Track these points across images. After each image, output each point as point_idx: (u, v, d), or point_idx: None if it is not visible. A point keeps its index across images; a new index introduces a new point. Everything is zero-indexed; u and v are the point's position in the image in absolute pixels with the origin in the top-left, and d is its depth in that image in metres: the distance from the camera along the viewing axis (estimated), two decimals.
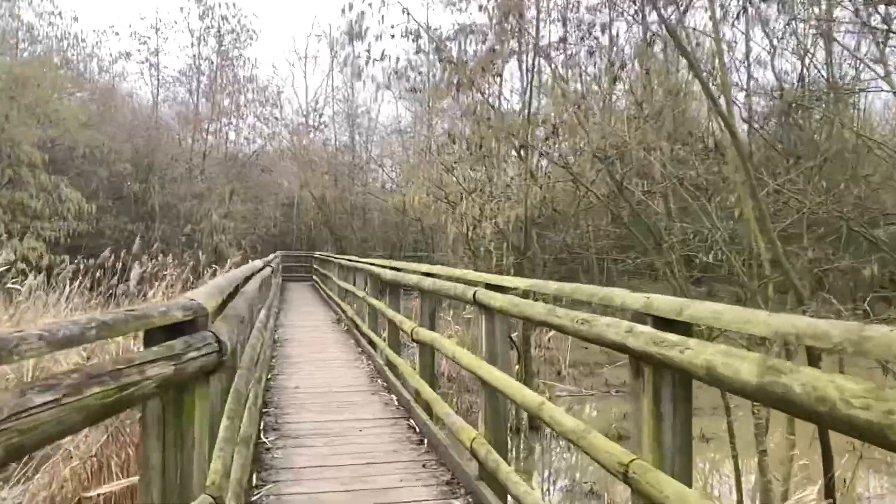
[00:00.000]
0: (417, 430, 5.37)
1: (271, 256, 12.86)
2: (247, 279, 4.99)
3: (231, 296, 3.56)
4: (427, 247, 24.08)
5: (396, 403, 6.36)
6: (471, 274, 4.41)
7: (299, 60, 37.30)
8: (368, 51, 10.39)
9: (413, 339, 5.89)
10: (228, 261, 16.29)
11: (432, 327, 5.72)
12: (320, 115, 27.83)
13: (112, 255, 14.57)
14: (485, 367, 3.78)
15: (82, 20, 33.93)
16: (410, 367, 6.18)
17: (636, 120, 7.75)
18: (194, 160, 20.44)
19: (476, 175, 10.29)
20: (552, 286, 3.02)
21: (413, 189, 12.72)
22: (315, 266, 25.77)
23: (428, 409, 5.35)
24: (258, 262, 7.74)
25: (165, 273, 13.94)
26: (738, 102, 8.71)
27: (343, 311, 13.49)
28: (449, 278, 4.91)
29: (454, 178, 10.09)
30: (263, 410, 6.03)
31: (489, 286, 3.90)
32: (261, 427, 5.45)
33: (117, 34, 32.22)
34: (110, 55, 21.98)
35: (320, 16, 49.77)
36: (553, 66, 9.68)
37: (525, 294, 3.88)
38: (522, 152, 9.26)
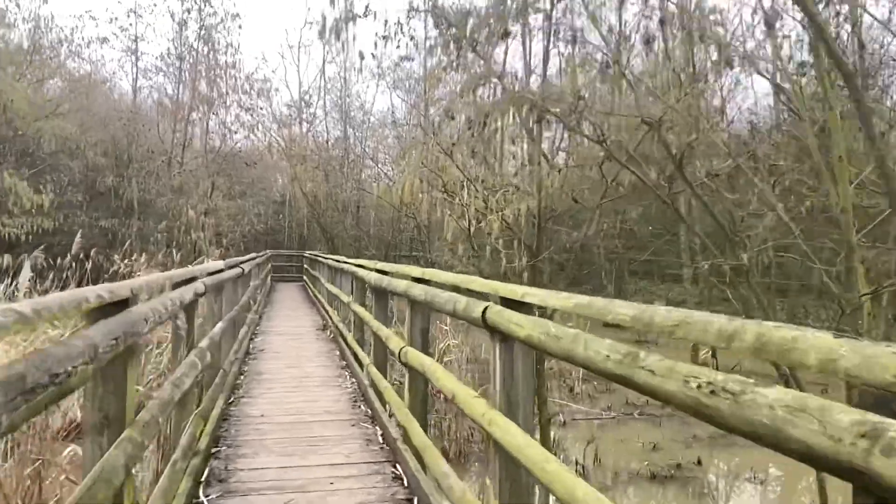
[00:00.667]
0: (405, 482, 4.16)
1: (248, 257, 11.61)
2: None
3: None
4: (423, 246, 22.83)
5: (381, 440, 5.14)
6: (477, 282, 3.18)
7: (290, 50, 35.98)
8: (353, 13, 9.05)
9: (401, 363, 4.67)
10: (206, 259, 15.01)
11: (425, 348, 4.50)
12: (311, 107, 26.51)
13: (80, 253, 13.33)
14: (499, 423, 2.56)
15: (57, 4, 32.46)
16: (398, 396, 4.94)
17: (681, 88, 6.50)
18: (174, 152, 19.17)
19: (476, 160, 9.05)
20: (621, 309, 1.79)
21: (405, 175, 11.47)
22: (305, 266, 24.54)
23: (419, 455, 4.12)
24: (216, 264, 6.48)
25: (137, 273, 12.72)
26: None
27: (329, 317, 12.28)
28: (448, 287, 3.69)
29: (453, 163, 8.84)
30: (213, 450, 4.80)
31: (505, 301, 2.67)
32: (203, 477, 4.23)
33: (94, 19, 30.79)
34: (84, 40, 20.65)
35: (314, 5, 48.50)
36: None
37: (548, 314, 2.65)
38: (536, 129, 8.02)
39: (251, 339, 10.57)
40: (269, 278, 24.27)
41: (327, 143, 26.07)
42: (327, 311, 13.23)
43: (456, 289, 3.54)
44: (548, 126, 8.27)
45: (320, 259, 17.71)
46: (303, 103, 27.54)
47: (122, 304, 2.41)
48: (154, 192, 17.98)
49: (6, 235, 14.54)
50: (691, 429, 7.32)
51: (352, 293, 10.34)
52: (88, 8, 39.25)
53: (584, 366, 1.83)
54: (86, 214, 17.22)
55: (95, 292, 2.28)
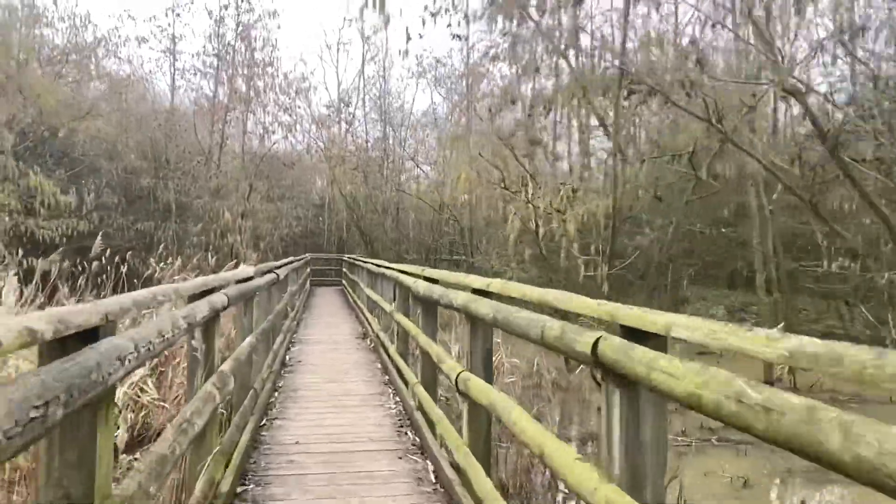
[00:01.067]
0: None
1: (285, 261, 11.04)
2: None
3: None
4: (465, 250, 22.06)
5: (433, 478, 4.40)
6: (576, 301, 2.39)
7: (329, 50, 35.57)
8: None
9: (458, 392, 3.91)
10: (242, 264, 14.54)
11: (488, 377, 3.73)
12: (350, 107, 26.01)
13: (108, 256, 12.98)
14: None
15: (93, 4, 32.59)
16: (454, 430, 4.18)
17: None
18: (210, 153, 18.83)
19: (530, 156, 8.24)
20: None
21: (457, 167, 10.67)
22: (344, 270, 24.04)
23: None
24: (245, 270, 5.84)
25: (172, 278, 12.28)
26: None
27: (369, 325, 11.62)
28: (532, 305, 2.92)
29: (513, 154, 8.03)
30: (239, 490, 4.13)
31: (630, 332, 1.90)
32: None
33: (133, 18, 30.86)
34: (121, 38, 20.48)
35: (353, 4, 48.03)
36: None
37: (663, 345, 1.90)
38: (613, 115, 7.16)
39: (288, 348, 9.98)
40: (308, 282, 23.88)
41: (366, 143, 25.51)
42: (367, 318, 12.59)
43: (539, 308, 2.77)
44: (638, 106, 7.37)
45: (359, 263, 17.12)
46: (342, 104, 27.04)
47: (90, 336, 1.70)
48: (192, 194, 17.68)
49: (41, 237, 14.31)
50: (782, 461, 6.38)
51: (394, 301, 9.66)
52: (127, 7, 39.48)
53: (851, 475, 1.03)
54: (122, 217, 16.98)
55: (47, 320, 1.57)
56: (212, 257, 14.12)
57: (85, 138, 16.44)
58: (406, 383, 6.58)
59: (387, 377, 7.87)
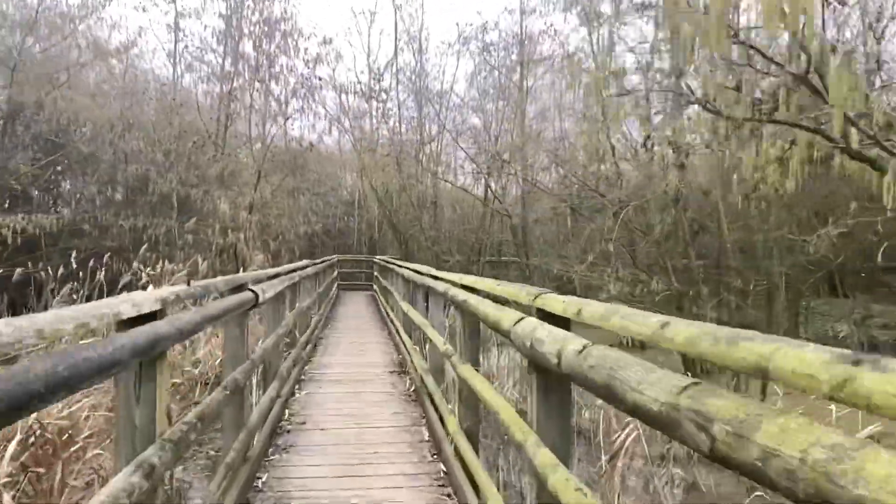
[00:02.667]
0: None
1: (287, 267, 8.09)
2: None
3: None
4: (518, 251, 18.89)
5: None
6: None
7: (355, 18, 32.53)
8: None
9: None
10: (241, 269, 11.72)
11: None
12: (381, 81, 22.93)
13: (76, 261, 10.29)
14: None
15: None
16: None
17: None
18: (212, 133, 16.00)
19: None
20: None
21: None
22: (376, 273, 21.14)
23: None
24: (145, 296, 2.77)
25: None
26: None
27: (407, 352, 8.62)
28: None
29: None
30: None
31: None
32: None
33: None
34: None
35: None
36: None
37: None
38: None
39: (295, 390, 7.03)
40: (334, 287, 21.05)
41: (399, 124, 22.45)
42: (403, 341, 9.62)
43: None
44: None
45: (393, 266, 14.17)
46: (371, 78, 23.90)
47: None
48: (189, 182, 14.96)
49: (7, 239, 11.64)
50: None
51: (445, 329, 6.64)
52: None
53: None
54: (106, 210, 14.36)
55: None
56: (203, 261, 11.27)
57: (60, 114, 13.82)
58: (474, 485, 3.55)
59: (438, 457, 4.83)
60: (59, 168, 14.13)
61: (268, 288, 5.11)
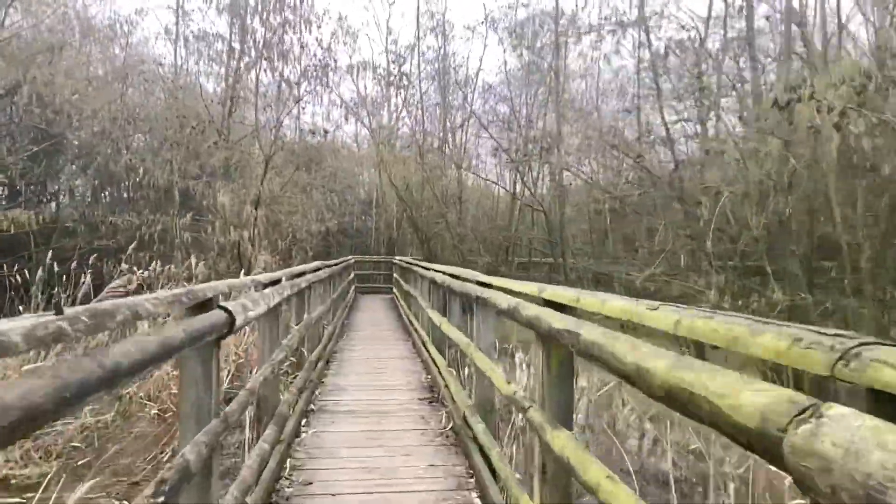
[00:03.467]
0: None
1: (287, 272, 6.53)
2: None
3: None
4: (553, 249, 17.24)
5: None
6: None
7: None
8: None
9: None
10: (242, 273, 10.22)
11: None
12: (403, 63, 21.30)
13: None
14: None
15: None
16: None
17: None
18: (215, 119, 14.51)
19: None
20: None
21: None
22: (395, 276, 19.63)
23: None
24: None
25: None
26: None
27: (440, 376, 7.09)
28: None
29: None
30: None
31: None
32: None
33: None
34: None
35: None
36: None
37: None
38: None
39: (300, 428, 5.51)
40: (351, 291, 19.57)
41: (422, 112, 20.81)
42: (433, 358, 8.07)
43: None
44: None
45: (415, 268, 12.64)
46: (390, 63, 22.24)
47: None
48: (191, 174, 13.47)
49: None
50: None
51: (495, 350, 5.12)
52: None
53: None
54: (102, 207, 12.96)
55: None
56: (199, 262, 9.79)
57: (51, 98, 12.39)
58: None
59: None
60: (49, 159, 12.74)
61: (255, 302, 3.57)
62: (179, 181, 13.05)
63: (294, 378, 6.46)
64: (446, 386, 6.52)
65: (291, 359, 6.40)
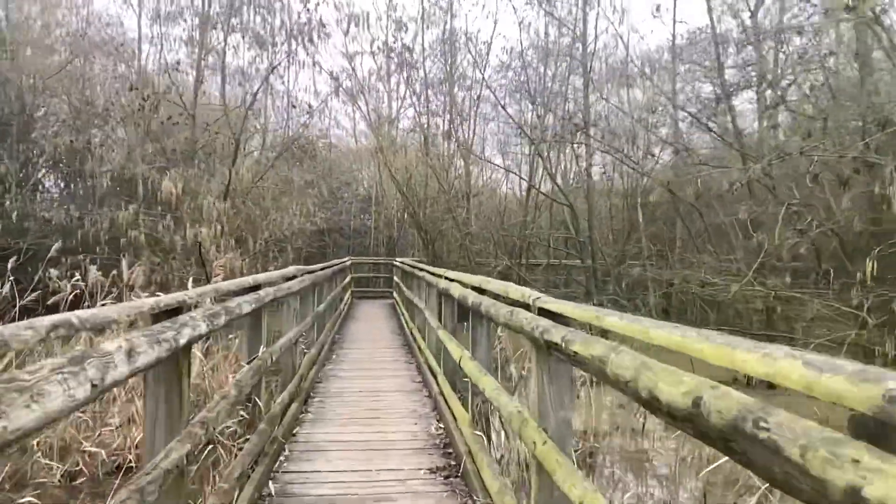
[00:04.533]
0: None
1: (278, 274, 4.36)
2: None
3: None
4: (583, 250, 15.04)
5: None
6: None
7: None
8: None
9: None
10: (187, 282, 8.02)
11: None
12: (404, 31, 18.98)
13: None
14: None
15: None
16: None
17: None
18: (171, 87, 12.26)
19: None
20: None
21: None
22: (396, 280, 17.52)
23: None
24: None
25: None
26: None
27: (459, 433, 4.96)
28: None
29: None
30: None
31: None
32: None
33: None
34: None
35: None
36: None
37: None
38: None
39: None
40: (346, 296, 17.45)
41: (426, 90, 18.50)
42: (448, 404, 5.94)
43: None
44: None
45: (420, 274, 10.52)
46: (389, 34, 19.91)
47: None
48: (147, 159, 11.28)
49: None
50: None
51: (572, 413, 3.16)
52: None
53: None
54: (28, 198, 10.77)
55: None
56: (124, 266, 7.62)
57: None
58: None
59: None
60: None
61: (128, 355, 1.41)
62: (132, 167, 10.83)
63: (240, 449, 4.32)
64: (470, 456, 4.37)
65: (231, 422, 4.26)
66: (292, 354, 6.82)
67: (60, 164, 11.81)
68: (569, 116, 13.79)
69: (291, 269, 6.56)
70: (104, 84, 12.23)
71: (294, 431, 5.72)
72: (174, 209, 10.42)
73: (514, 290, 3.38)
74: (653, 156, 10.58)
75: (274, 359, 4.87)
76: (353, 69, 18.77)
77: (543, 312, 2.78)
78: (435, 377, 7.35)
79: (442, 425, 5.96)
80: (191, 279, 8.07)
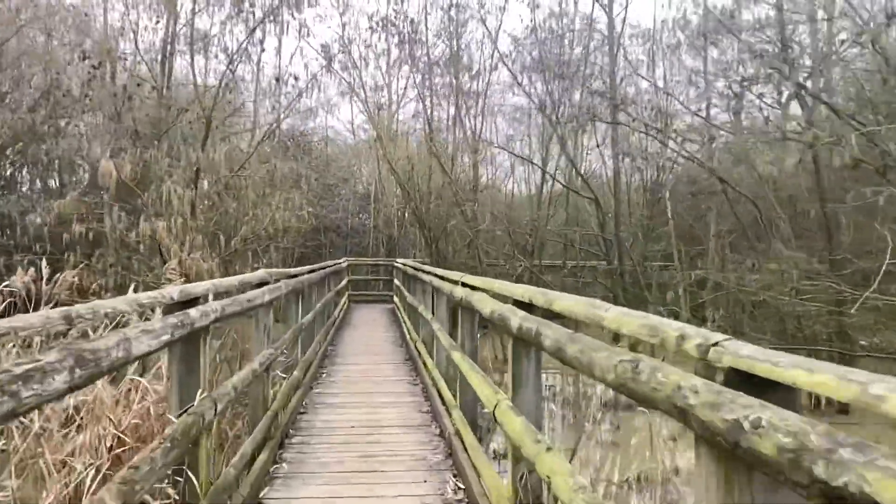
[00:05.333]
0: None
1: (236, 281, 2.73)
2: None
3: None
4: (609, 249, 13.41)
5: None
6: None
7: None
8: None
9: None
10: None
11: None
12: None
13: None
14: None
15: None
16: None
17: None
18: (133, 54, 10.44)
19: None
20: None
21: None
22: (397, 283, 15.97)
23: None
24: None
25: None
26: None
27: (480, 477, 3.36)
28: None
29: None
30: None
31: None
32: None
33: None
34: None
35: None
36: None
37: None
38: None
39: None
40: (342, 302, 15.90)
41: (430, 69, 16.72)
42: (465, 446, 4.36)
43: None
44: None
45: (426, 277, 8.96)
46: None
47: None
48: (100, 138, 9.63)
49: None
50: None
51: None
52: None
53: None
54: None
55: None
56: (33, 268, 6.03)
57: None
58: None
59: None
60: None
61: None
62: (84, 150, 9.19)
63: None
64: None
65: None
66: (264, 384, 5.24)
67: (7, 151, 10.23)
68: (597, 90, 12.10)
69: (259, 274, 4.98)
70: (53, 55, 10.57)
71: (260, 497, 4.15)
72: (134, 199, 8.76)
73: (634, 321, 1.81)
74: (710, 138, 9.05)
75: (219, 408, 3.30)
76: (348, 45, 17.14)
77: (741, 376, 1.23)
78: (448, 411, 5.77)
79: (462, 485, 4.39)
80: (132, 286, 6.46)
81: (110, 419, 4.95)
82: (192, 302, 3.18)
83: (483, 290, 4.28)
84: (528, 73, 15.17)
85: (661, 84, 12.75)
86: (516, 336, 3.07)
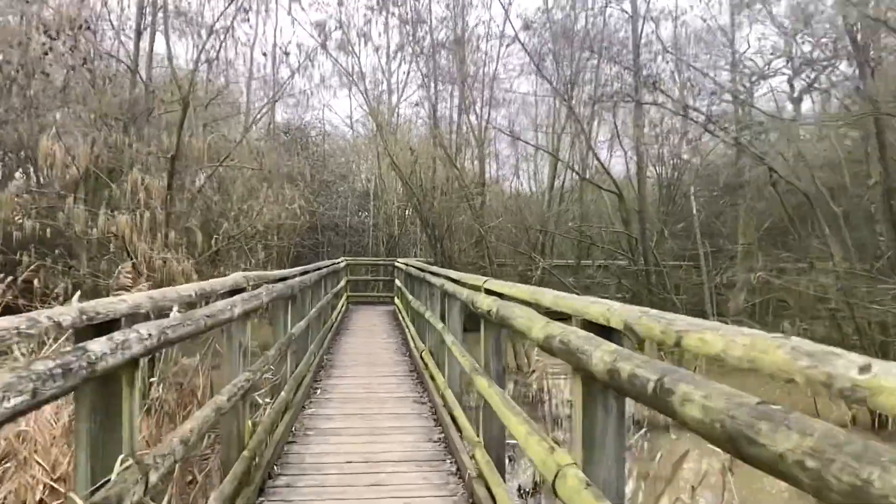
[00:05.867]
0: None
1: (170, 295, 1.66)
2: None
3: None
4: (632, 249, 12.37)
5: None
6: None
7: None
8: None
9: None
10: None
11: None
12: None
13: None
14: None
15: None
16: None
17: None
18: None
19: None
20: None
21: None
22: (398, 284, 14.97)
23: None
24: None
25: None
26: None
27: None
28: None
29: None
30: None
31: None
32: None
33: None
34: None
35: None
36: None
37: None
38: None
39: None
40: (340, 305, 14.90)
41: (434, 47, 15.45)
42: (488, 488, 3.31)
43: None
44: None
45: (434, 279, 7.93)
46: None
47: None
48: (61, 124, 8.49)
49: None
50: None
51: None
52: None
53: None
54: None
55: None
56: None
57: None
58: None
59: None
60: None
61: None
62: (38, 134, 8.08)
63: None
64: None
65: None
66: (238, 417, 4.21)
67: None
68: (624, 63, 10.98)
69: (233, 279, 3.96)
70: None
71: None
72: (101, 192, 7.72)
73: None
74: (758, 122, 8.08)
75: (157, 476, 2.28)
76: (345, 25, 16.05)
77: None
78: (467, 444, 4.74)
79: None
80: (77, 294, 5.41)
81: (40, 464, 3.92)
82: (107, 326, 2.15)
83: (520, 301, 3.25)
84: (542, 56, 14.12)
85: (695, 65, 11.65)
86: (595, 377, 2.04)
